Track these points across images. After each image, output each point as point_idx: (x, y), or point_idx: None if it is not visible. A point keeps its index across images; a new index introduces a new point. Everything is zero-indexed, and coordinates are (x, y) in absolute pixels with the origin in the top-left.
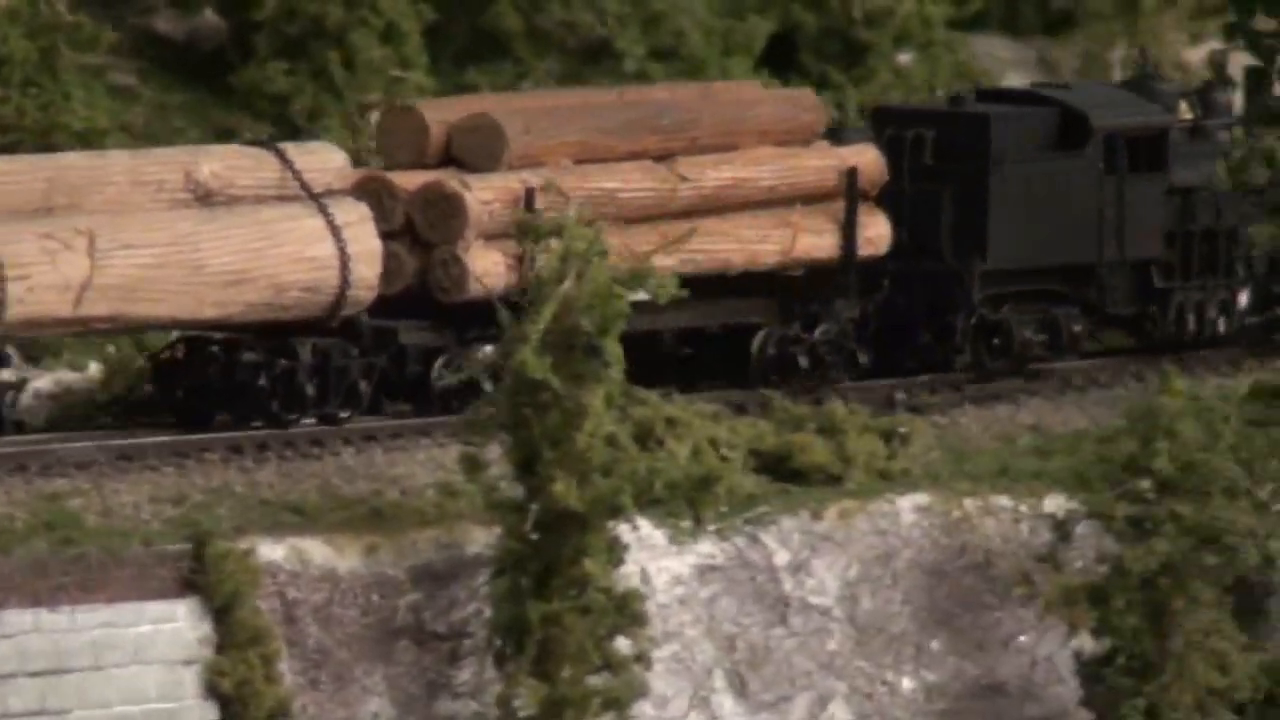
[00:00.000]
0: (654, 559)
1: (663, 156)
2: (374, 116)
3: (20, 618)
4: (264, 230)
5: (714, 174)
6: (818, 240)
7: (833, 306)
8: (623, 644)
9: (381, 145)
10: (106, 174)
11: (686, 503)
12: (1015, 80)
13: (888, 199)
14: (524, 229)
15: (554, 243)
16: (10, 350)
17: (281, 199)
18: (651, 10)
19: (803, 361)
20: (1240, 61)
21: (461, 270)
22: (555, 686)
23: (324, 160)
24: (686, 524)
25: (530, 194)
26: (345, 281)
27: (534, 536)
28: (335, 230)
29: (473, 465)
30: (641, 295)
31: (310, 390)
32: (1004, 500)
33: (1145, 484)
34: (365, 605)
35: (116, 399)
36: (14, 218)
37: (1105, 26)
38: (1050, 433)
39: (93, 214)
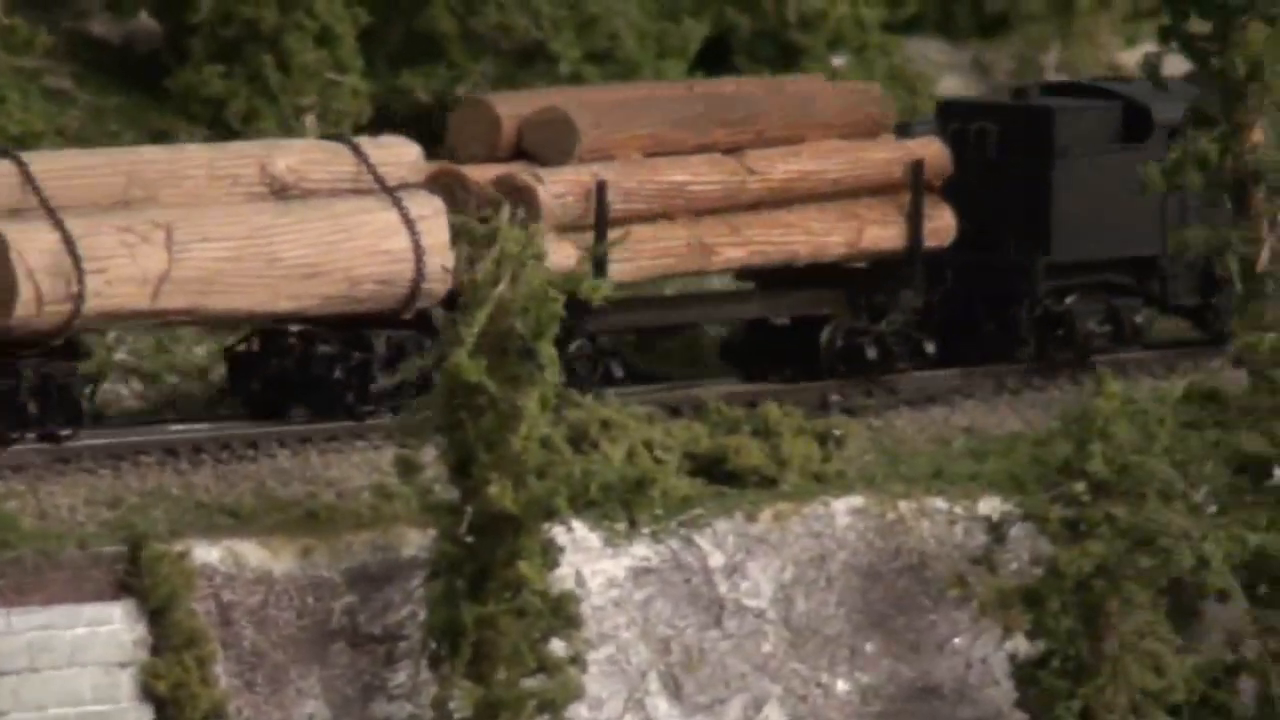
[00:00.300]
0: (589, 561)
1: (731, 149)
2: (309, 120)
3: None
4: (339, 224)
5: (782, 166)
6: (884, 232)
7: (899, 297)
8: (558, 646)
9: (452, 139)
10: (184, 168)
11: (621, 505)
12: (951, 84)
13: (952, 192)
14: (458, 232)
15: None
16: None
17: (356, 192)
18: (586, 13)
19: (870, 352)
20: (1176, 64)
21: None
22: (490, 689)
23: (398, 154)
24: (621, 526)
25: (601, 187)
26: (419, 274)
27: (469, 539)
28: (409, 223)
29: (408, 468)
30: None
31: (385, 383)
32: (939, 502)
33: (1080, 486)
34: (300, 608)
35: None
36: (93, 211)
37: (1040, 29)
38: (985, 435)
39: (170, 207)
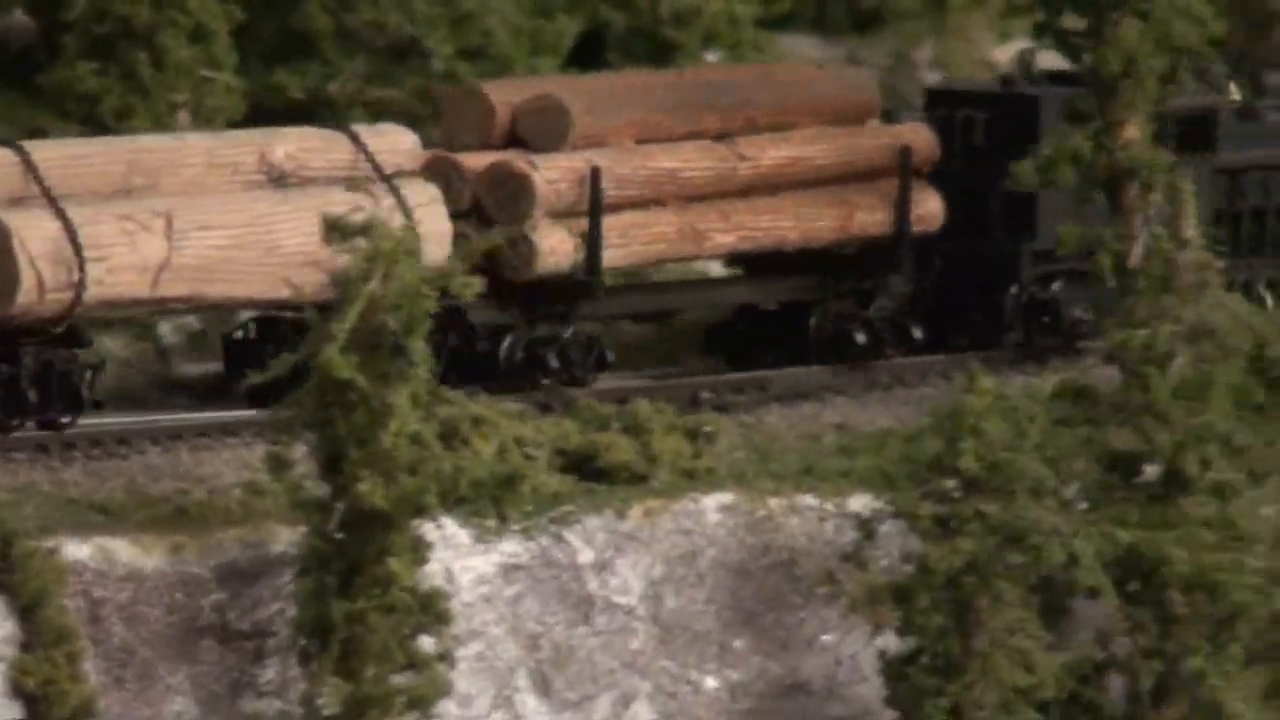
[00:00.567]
0: (459, 558)
1: (721, 136)
2: (182, 117)
3: None
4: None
5: (772, 153)
6: (872, 217)
7: (887, 283)
8: (426, 643)
9: (446, 127)
10: (183, 156)
11: (491, 502)
12: None
13: (939, 178)
14: (331, 227)
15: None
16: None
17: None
18: (460, 10)
19: (859, 338)
20: (1050, 60)
21: (530, 249)
22: (359, 685)
23: (395, 142)
24: (491, 523)
25: (595, 173)
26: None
27: (339, 536)
28: (407, 211)
29: (278, 464)
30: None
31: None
32: (809, 499)
33: (951, 483)
34: (170, 604)
35: None
36: (94, 200)
37: (913, 25)
38: (856, 431)
39: (170, 196)
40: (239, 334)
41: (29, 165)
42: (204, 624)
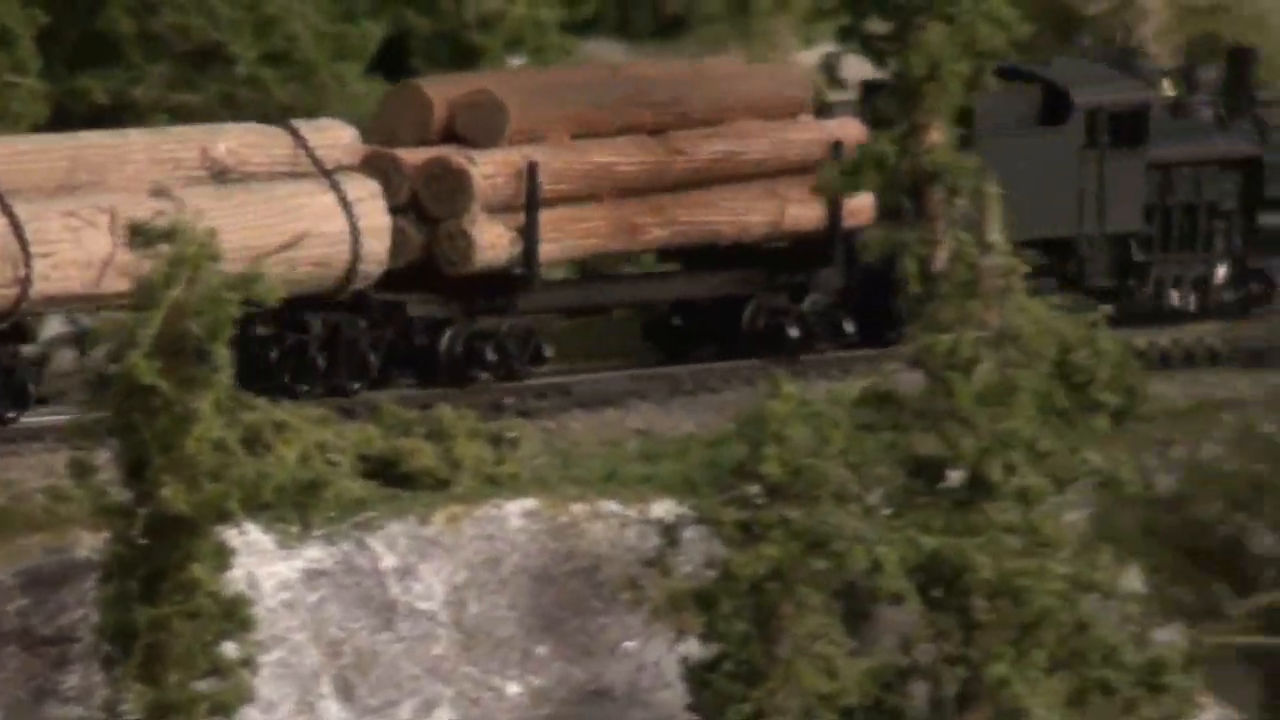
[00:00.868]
0: (262, 564)
1: (655, 131)
2: None
3: None
4: (278, 207)
5: (706, 147)
6: (805, 211)
7: (819, 277)
8: (230, 649)
9: (383, 122)
10: (127, 152)
11: (294, 507)
12: None
13: None
14: (134, 233)
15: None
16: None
17: (294, 176)
18: (264, 14)
19: (792, 332)
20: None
21: (468, 243)
22: (162, 691)
23: (334, 137)
24: (294, 529)
25: (532, 168)
26: (356, 256)
27: (142, 541)
28: (347, 206)
29: (82, 470)
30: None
31: (321, 363)
32: (612, 505)
33: (754, 489)
34: None
35: None
36: (39, 195)
37: (718, 30)
38: (659, 437)
39: (114, 191)
40: None
41: None
42: (7, 630)
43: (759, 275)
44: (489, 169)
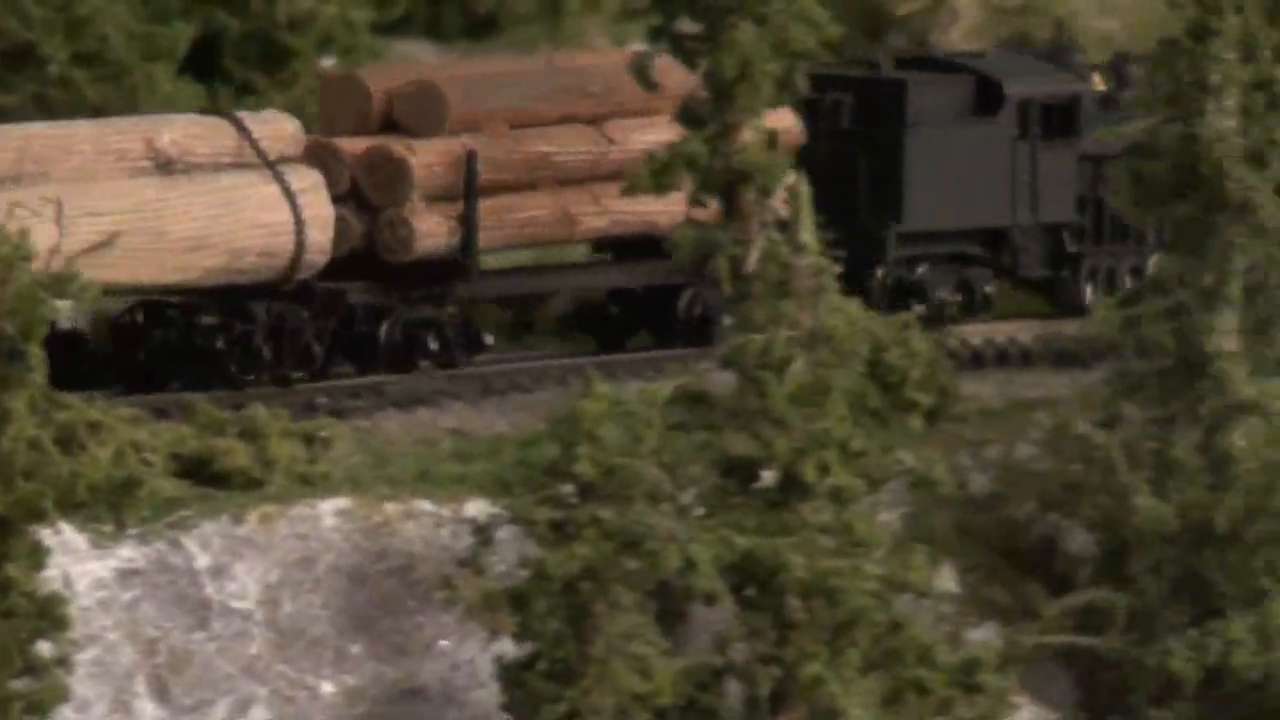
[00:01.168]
0: (76, 563)
1: (592, 121)
2: None
3: None
4: (223, 197)
5: (640, 137)
6: None
7: None
8: (45, 648)
9: (323, 112)
10: (72, 143)
11: (108, 507)
12: None
13: (807, 162)
14: None
15: None
16: None
17: (238, 166)
18: (75, 15)
19: (726, 321)
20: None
21: (408, 231)
22: None
23: (278, 128)
24: (109, 528)
25: (471, 157)
26: (300, 246)
27: None
28: (290, 196)
29: None
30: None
31: (267, 352)
32: (425, 504)
33: (567, 488)
34: None
35: None
36: None
37: (529, 30)
38: (472, 436)
39: (60, 182)
40: (125, 317)
41: None
42: None
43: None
44: (428, 158)
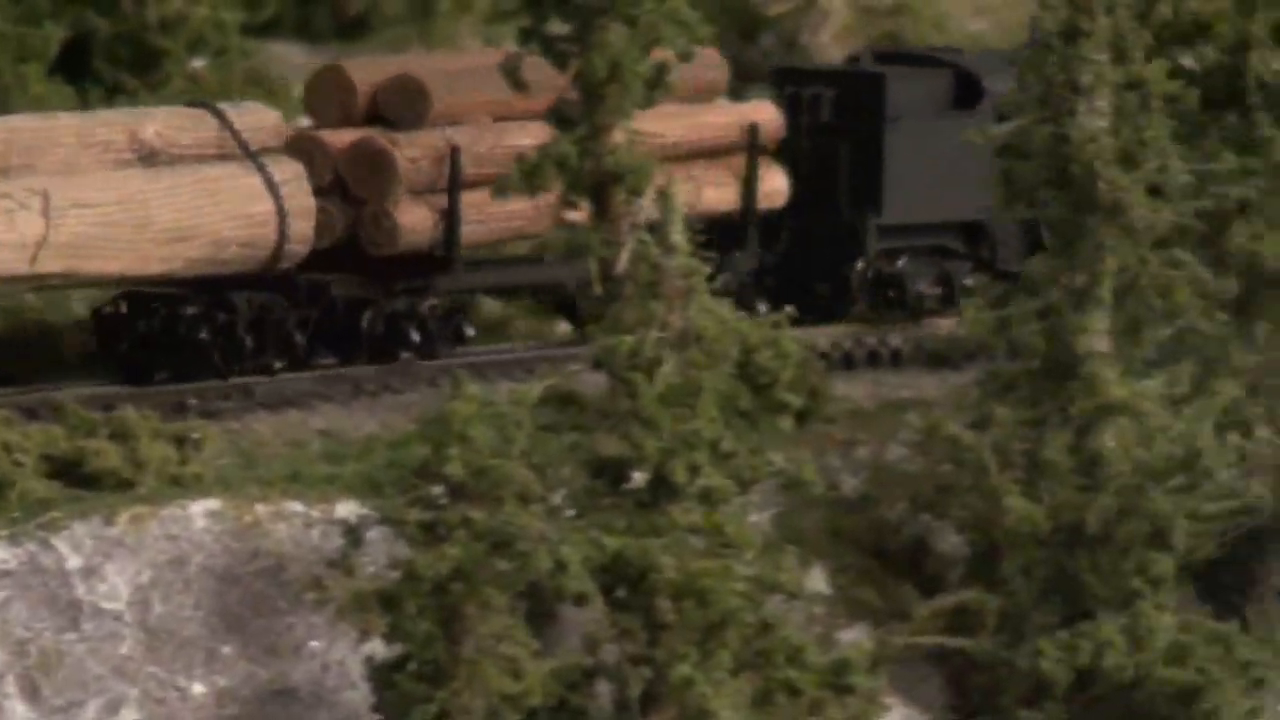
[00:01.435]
0: None
1: None
2: None
3: None
4: (206, 188)
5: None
6: (719, 194)
7: (733, 259)
8: None
9: (308, 104)
10: (57, 135)
11: None
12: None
13: (787, 155)
14: None
15: None
16: None
17: (221, 158)
18: None
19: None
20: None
21: (392, 224)
22: None
23: (259, 120)
24: None
25: (455, 151)
26: (282, 237)
27: None
28: (273, 188)
29: None
30: None
31: (249, 343)
32: (296, 505)
33: (438, 489)
34: None
35: None
36: None
37: (399, 31)
38: (343, 437)
39: (46, 174)
40: (108, 309)
41: None
42: None
43: None
44: (412, 151)
